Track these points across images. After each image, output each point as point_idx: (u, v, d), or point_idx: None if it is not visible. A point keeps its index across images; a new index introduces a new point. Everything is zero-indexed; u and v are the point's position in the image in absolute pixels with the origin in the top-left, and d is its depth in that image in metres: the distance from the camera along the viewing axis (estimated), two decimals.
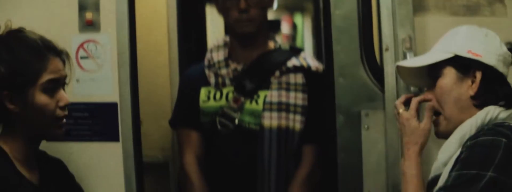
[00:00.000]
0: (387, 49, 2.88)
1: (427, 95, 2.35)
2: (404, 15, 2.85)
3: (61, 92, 2.38)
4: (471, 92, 2.23)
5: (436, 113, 2.32)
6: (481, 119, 2.18)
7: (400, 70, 2.47)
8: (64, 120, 2.40)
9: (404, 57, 2.80)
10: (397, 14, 2.85)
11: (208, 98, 3.15)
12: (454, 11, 2.93)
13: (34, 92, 2.29)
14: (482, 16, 2.94)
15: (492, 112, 2.19)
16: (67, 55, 2.46)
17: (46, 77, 2.31)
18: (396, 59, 2.86)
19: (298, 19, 11.28)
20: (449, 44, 2.31)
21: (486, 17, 2.93)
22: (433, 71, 2.32)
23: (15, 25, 2.64)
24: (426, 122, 2.32)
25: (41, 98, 2.30)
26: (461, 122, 2.23)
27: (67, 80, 2.44)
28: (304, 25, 10.81)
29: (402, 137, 2.35)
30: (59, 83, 2.37)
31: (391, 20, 2.88)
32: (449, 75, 2.27)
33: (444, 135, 2.31)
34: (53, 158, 2.64)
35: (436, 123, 2.33)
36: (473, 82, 2.24)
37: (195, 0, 5.10)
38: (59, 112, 2.35)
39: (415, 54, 2.79)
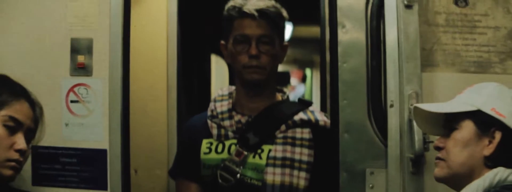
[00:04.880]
0: (392, 105, 2.78)
1: (438, 143, 2.26)
2: (411, 70, 2.77)
3: (21, 137, 2.43)
4: (486, 153, 2.13)
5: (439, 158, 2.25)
6: (489, 181, 2.08)
7: (416, 114, 2.39)
8: (17, 165, 2.43)
9: (410, 114, 2.69)
10: (404, 69, 2.77)
11: (210, 150, 3.02)
12: (464, 67, 2.85)
13: None
14: (493, 73, 2.86)
15: (501, 173, 2.09)
16: (41, 110, 2.61)
17: (9, 112, 2.41)
18: (401, 116, 2.76)
19: (308, 72, 11.29)
20: (474, 98, 2.22)
21: (497, 75, 2.84)
22: (451, 121, 2.23)
23: (5, 63, 2.84)
24: None
25: None
26: (464, 176, 2.15)
27: (34, 140, 2.58)
28: (313, 78, 10.80)
29: None
30: (21, 126, 2.45)
31: (397, 75, 2.80)
32: (467, 129, 2.18)
33: (440, 180, 2.24)
34: None
35: (436, 165, 2.26)
36: (490, 142, 2.14)
37: (199, 47, 5.05)
38: (12, 154, 2.39)
39: None
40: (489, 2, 2.89)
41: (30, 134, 2.52)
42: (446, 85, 2.80)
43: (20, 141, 2.41)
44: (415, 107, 2.37)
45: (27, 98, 2.54)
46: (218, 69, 6.54)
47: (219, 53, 6.16)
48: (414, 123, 2.65)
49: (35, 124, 2.56)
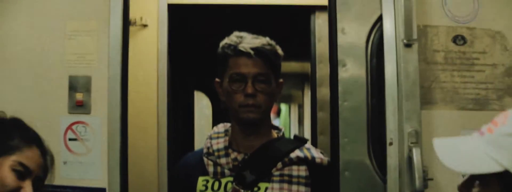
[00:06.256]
0: (391, 143, 2.79)
1: (462, 188, 1.94)
2: (410, 108, 2.79)
3: (29, 184, 2.36)
4: None
5: None
6: None
7: None
8: None
9: (410, 152, 2.70)
10: (404, 107, 2.78)
11: (206, 188, 2.98)
12: (462, 105, 2.87)
13: (3, 163, 2.31)
14: (491, 110, 2.89)
15: None
16: (52, 158, 2.51)
17: (19, 157, 2.33)
18: (401, 153, 2.77)
19: (283, 107, 11.29)
20: (504, 151, 1.83)
21: (495, 111, 2.82)
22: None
23: (4, 99, 2.82)
24: None
25: (6, 173, 2.30)
26: None
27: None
28: (291, 113, 10.81)
29: None
30: (30, 173, 2.37)
31: (396, 113, 2.81)
32: (492, 189, 1.86)
33: None
34: None
35: None
36: None
37: (185, 86, 5.05)
38: None
39: (421, 149, 2.70)
40: (487, 39, 2.93)
41: (38, 182, 2.47)
42: (445, 122, 2.82)
43: (28, 188, 2.34)
44: None
45: (39, 145, 2.47)
46: (199, 105, 6.53)
47: (201, 89, 6.18)
48: (414, 161, 2.66)
49: (44, 173, 2.49)
